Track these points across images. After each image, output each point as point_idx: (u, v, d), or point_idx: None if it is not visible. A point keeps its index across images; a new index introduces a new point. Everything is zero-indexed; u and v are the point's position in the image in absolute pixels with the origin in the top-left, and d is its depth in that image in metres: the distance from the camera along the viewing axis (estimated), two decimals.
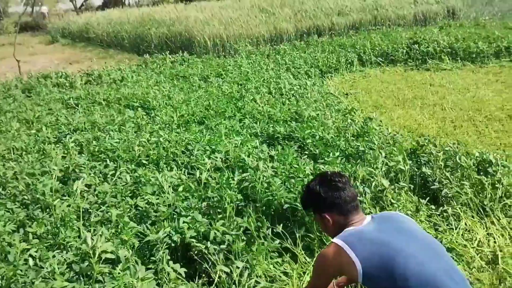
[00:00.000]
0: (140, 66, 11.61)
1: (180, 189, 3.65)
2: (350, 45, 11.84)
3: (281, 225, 3.33)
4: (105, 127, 5.60)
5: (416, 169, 4.03)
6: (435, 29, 14.09)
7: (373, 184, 3.68)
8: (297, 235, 3.31)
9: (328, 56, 10.80)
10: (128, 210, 3.52)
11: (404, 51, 11.17)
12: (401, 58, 11.04)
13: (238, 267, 2.94)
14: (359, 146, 4.11)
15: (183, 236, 3.04)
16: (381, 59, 11.14)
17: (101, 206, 3.59)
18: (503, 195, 3.85)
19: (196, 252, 3.03)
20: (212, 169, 4.02)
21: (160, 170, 4.26)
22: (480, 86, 8.58)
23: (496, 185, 3.83)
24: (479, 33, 12.01)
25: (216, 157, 4.19)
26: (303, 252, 3.34)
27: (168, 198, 3.50)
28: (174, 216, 3.27)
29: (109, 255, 2.64)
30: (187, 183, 3.76)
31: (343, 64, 10.61)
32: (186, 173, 4.19)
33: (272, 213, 3.47)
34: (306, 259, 3.33)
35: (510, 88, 8.27)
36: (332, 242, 2.13)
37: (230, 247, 3.07)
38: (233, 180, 3.73)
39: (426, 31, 13.19)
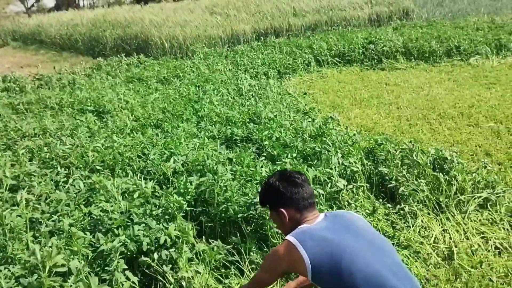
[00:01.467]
0: (94, 69, 11.32)
1: (136, 195, 3.55)
2: (307, 46, 11.92)
3: (228, 234, 3.28)
4: (57, 133, 5.41)
5: (373, 168, 4.07)
6: (389, 29, 14.38)
7: (329, 184, 3.69)
8: (242, 249, 3.26)
9: (286, 57, 10.84)
10: (82, 218, 3.39)
11: (360, 51, 11.35)
12: (357, 58, 11.21)
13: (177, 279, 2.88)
14: (315, 146, 4.11)
15: (139, 244, 2.95)
16: (337, 59, 11.27)
17: (52, 215, 3.44)
18: (457, 191, 3.93)
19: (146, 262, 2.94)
20: (170, 173, 3.93)
21: (116, 175, 4.14)
22: (433, 84, 8.79)
23: (451, 182, 3.91)
24: (431, 33, 12.33)
25: (176, 160, 4.10)
26: (249, 266, 3.28)
27: (121, 205, 3.39)
28: (128, 223, 3.16)
29: (60, 268, 2.52)
30: (142, 189, 3.65)
31: (300, 65, 10.67)
32: (142, 178, 4.09)
33: (227, 220, 3.42)
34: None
35: (461, 86, 8.51)
36: (285, 239, 2.16)
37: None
38: (191, 184, 3.66)
39: (381, 32, 13.44)
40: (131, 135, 5.28)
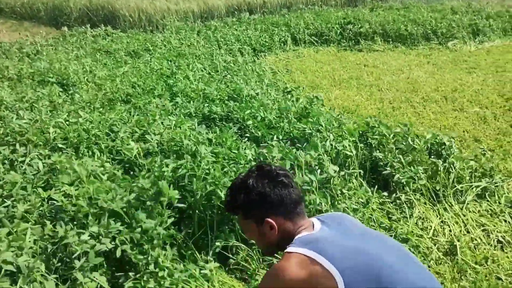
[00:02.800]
0: (57, 39, 10.60)
1: (104, 177, 3.12)
2: (283, 24, 11.49)
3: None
4: (14, 106, 4.86)
5: (368, 153, 3.75)
6: (366, 10, 14.08)
7: (319, 171, 3.34)
8: (212, 246, 2.89)
9: (261, 35, 10.39)
10: (40, 204, 2.94)
11: (338, 31, 11.02)
12: (335, 38, 10.89)
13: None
14: (305, 128, 3.74)
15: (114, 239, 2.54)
16: (315, 38, 10.91)
17: (5, 200, 2.98)
18: (455, 180, 3.66)
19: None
20: (142, 154, 3.51)
21: (80, 155, 3.68)
22: (412, 67, 8.56)
23: (450, 170, 3.63)
24: (407, 16, 12.09)
25: (148, 140, 3.67)
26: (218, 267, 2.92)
27: (88, 189, 2.96)
28: (101, 212, 2.74)
29: (9, 266, 2.10)
30: (111, 171, 3.23)
31: (276, 43, 10.26)
32: (110, 159, 3.66)
33: (213, 211, 3.03)
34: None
35: (441, 70, 8.30)
36: (290, 252, 1.65)
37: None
38: (167, 167, 3.25)
39: (357, 12, 13.13)
40: (99, 110, 4.79)
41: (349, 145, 3.56)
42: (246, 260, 2.96)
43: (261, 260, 2.98)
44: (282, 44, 10.47)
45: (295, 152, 3.41)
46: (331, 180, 3.17)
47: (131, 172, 3.50)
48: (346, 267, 1.55)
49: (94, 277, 2.35)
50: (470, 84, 7.20)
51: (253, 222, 1.81)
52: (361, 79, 7.88)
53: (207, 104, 4.65)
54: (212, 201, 2.99)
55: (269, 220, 1.77)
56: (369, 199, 3.03)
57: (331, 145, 3.51)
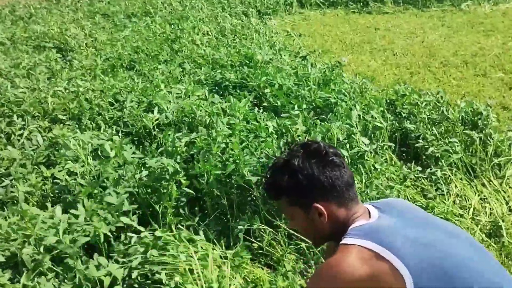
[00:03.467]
0: (51, 1, 10.09)
1: (112, 154, 2.81)
2: None
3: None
4: (9, 73, 4.49)
5: (397, 124, 3.43)
6: None
7: (347, 145, 3.02)
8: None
9: None
10: (41, 184, 2.64)
11: None
12: (342, 1, 10.42)
13: None
14: (329, 97, 3.40)
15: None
16: (321, 0, 10.42)
17: (3, 179, 2.68)
18: (493, 153, 3.36)
19: None
20: (154, 126, 3.18)
21: (83, 128, 3.36)
22: (426, 30, 8.14)
23: (487, 142, 3.32)
24: None
25: (162, 110, 3.33)
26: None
27: (92, 167, 2.65)
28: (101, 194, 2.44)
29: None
30: (120, 146, 2.91)
31: (281, 5, 9.79)
32: (119, 132, 3.34)
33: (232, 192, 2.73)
34: None
35: (457, 33, 7.89)
36: (347, 244, 1.38)
37: None
38: (180, 141, 2.93)
39: None
40: (101, 77, 4.43)
41: (378, 116, 3.24)
42: (271, 245, 2.68)
43: (287, 244, 2.70)
44: (287, 6, 10.00)
45: (320, 124, 3.09)
46: (364, 155, 2.86)
47: (140, 146, 3.19)
48: (415, 264, 1.29)
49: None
50: (490, 48, 6.81)
51: (299, 208, 1.54)
52: (373, 43, 7.48)
53: (219, 71, 4.29)
54: (232, 181, 2.68)
55: (318, 205, 1.49)
56: (406, 176, 2.72)
57: (359, 115, 3.19)
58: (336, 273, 1.35)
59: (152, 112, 3.43)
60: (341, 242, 1.42)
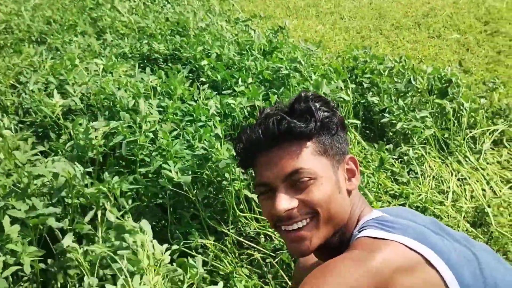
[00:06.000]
0: None
1: (1, 155, 2.14)
2: None
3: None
4: None
5: (359, 97, 2.93)
6: None
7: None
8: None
9: None
10: None
11: None
12: None
13: None
14: (280, 67, 2.83)
15: None
16: None
17: None
18: (466, 125, 2.94)
19: None
20: (60, 114, 2.51)
21: None
22: None
23: (460, 112, 2.89)
24: None
25: (69, 93, 2.65)
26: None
27: None
28: None
29: None
30: (15, 144, 2.24)
31: None
32: (18, 123, 2.66)
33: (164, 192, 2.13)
34: None
35: None
36: (382, 239, 0.94)
37: None
38: (95, 130, 2.30)
39: None
40: (2, 54, 3.65)
41: (342, 88, 2.71)
42: (218, 257, 2.13)
43: (237, 254, 2.17)
44: None
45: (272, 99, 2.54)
46: None
47: (46, 140, 2.52)
48: (454, 263, 0.94)
49: None
50: (441, 8, 6.44)
51: (327, 160, 1.08)
52: (319, 6, 6.95)
53: (146, 41, 3.61)
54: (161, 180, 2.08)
55: (353, 157, 1.15)
56: (382, 160, 2.23)
57: (318, 88, 2.64)
58: (356, 263, 0.89)
59: (64, 96, 2.75)
60: (366, 234, 0.98)
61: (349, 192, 1.09)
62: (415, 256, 0.91)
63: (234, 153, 1.21)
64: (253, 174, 1.15)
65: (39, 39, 4.18)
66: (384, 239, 0.93)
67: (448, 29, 5.57)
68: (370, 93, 2.94)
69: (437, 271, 0.91)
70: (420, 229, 1.00)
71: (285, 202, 1.02)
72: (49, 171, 1.87)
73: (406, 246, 0.92)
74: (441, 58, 4.68)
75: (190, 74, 3.20)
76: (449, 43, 5.13)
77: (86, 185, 1.98)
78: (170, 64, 3.35)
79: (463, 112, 2.90)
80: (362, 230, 1.01)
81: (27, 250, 1.68)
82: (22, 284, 1.83)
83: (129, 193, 2.03)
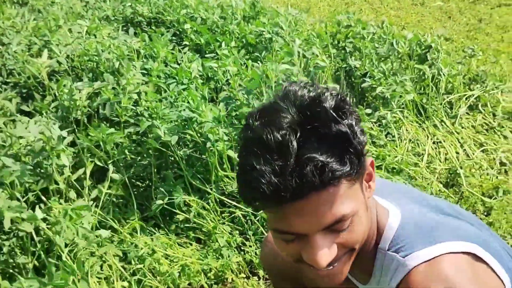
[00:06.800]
0: None
1: None
2: None
3: None
4: None
5: (341, 61, 2.99)
6: None
7: None
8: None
9: None
10: None
11: None
12: None
13: None
14: (263, 31, 2.87)
15: None
16: None
17: None
18: (444, 90, 3.03)
19: None
20: (45, 74, 2.52)
21: None
22: None
23: (438, 78, 2.97)
24: None
25: (55, 54, 2.66)
26: None
27: None
28: None
29: None
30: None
31: None
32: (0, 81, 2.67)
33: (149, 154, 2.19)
34: None
35: None
36: (452, 253, 0.88)
37: None
38: (79, 91, 2.33)
39: None
40: None
41: (320, 53, 2.76)
42: (200, 215, 2.21)
43: (219, 212, 2.25)
44: None
45: (252, 65, 2.58)
46: None
47: (30, 101, 2.54)
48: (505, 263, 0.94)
49: None
50: None
51: (358, 184, 0.86)
52: None
53: (129, 3, 3.60)
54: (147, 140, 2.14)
55: (372, 160, 0.91)
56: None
57: (299, 53, 2.69)
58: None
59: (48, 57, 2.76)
60: (420, 260, 0.88)
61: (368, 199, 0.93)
62: (480, 263, 0.90)
63: (238, 192, 0.89)
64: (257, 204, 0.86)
65: (20, 1, 4.12)
66: (456, 253, 0.88)
67: None
68: (352, 58, 3.00)
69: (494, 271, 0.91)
70: (453, 222, 0.98)
71: (326, 256, 0.84)
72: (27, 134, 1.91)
73: (475, 254, 0.89)
74: (423, 25, 4.74)
75: (174, 38, 3.22)
76: (432, 10, 5.17)
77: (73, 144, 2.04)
78: (153, 28, 3.35)
79: (441, 77, 2.98)
80: (398, 248, 0.92)
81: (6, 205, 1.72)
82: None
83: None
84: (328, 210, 0.80)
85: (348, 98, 0.84)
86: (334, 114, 0.78)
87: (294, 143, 0.76)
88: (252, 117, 0.83)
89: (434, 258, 0.87)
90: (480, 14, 4.94)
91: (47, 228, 1.72)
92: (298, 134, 0.77)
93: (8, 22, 3.31)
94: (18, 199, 1.79)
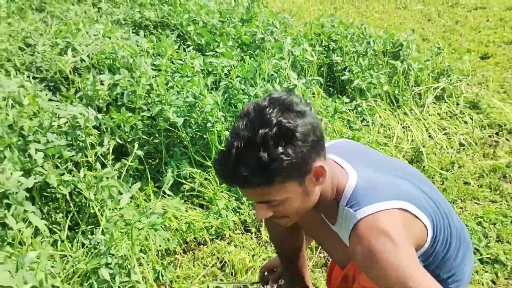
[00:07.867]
0: None
1: (26, 101, 2.61)
2: None
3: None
4: None
5: (325, 58, 3.44)
6: None
7: (277, 79, 3.00)
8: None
9: None
10: None
11: None
12: None
13: None
14: (256, 31, 3.32)
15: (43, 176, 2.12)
16: None
17: None
18: (414, 82, 3.48)
19: None
20: (71, 70, 2.98)
21: None
22: None
23: (408, 72, 3.42)
24: None
25: (78, 52, 3.11)
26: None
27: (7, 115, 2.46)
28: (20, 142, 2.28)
29: None
30: (35, 93, 2.71)
31: None
32: (31, 78, 3.11)
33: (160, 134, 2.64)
34: None
35: None
36: (384, 210, 1.17)
37: None
38: (102, 84, 2.78)
39: None
40: (7, 21, 4.06)
41: (306, 50, 3.21)
42: (203, 185, 2.65)
43: (218, 183, 2.69)
44: None
45: (250, 61, 3.03)
46: (294, 90, 2.85)
47: (57, 93, 2.99)
48: (429, 213, 1.26)
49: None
50: None
51: (295, 183, 1.15)
52: None
53: (138, 9, 4.06)
54: (158, 122, 2.59)
55: (318, 165, 1.15)
56: (337, 108, 2.75)
57: (288, 50, 3.15)
58: (395, 249, 1.11)
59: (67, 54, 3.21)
60: (365, 214, 1.18)
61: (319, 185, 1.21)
62: (408, 214, 1.20)
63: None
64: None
65: (38, 8, 4.58)
66: (388, 209, 1.17)
67: (414, 1, 6.07)
68: (335, 54, 3.45)
69: (424, 224, 1.23)
70: (395, 183, 1.28)
71: (261, 215, 1.21)
72: (68, 114, 2.36)
73: (403, 209, 1.19)
74: (404, 27, 5.19)
75: (177, 39, 3.67)
76: (413, 13, 5.63)
77: (96, 127, 2.48)
78: (159, 30, 3.80)
79: (411, 72, 3.44)
80: (353, 205, 1.22)
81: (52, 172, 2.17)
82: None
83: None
84: (258, 196, 1.17)
85: (300, 122, 1.09)
86: (270, 142, 1.06)
87: (233, 152, 1.08)
88: (240, 116, 1.15)
89: (375, 212, 1.17)
90: (456, 17, 5.40)
91: (83, 189, 2.16)
92: (241, 145, 1.08)
93: (32, 27, 3.77)
94: (57, 167, 2.23)
